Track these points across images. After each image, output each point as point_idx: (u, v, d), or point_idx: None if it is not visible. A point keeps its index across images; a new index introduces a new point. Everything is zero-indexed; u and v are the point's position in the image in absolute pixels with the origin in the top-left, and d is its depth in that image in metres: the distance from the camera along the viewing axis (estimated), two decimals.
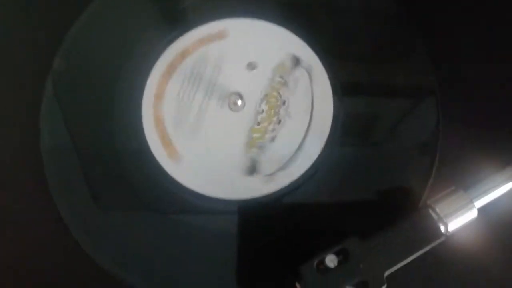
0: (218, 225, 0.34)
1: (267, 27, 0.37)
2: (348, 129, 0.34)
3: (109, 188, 0.35)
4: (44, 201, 0.34)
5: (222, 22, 0.37)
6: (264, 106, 0.35)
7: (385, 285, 0.28)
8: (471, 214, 0.29)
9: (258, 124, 0.35)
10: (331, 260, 0.29)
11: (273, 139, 0.34)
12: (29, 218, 0.35)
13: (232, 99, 0.35)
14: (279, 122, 0.34)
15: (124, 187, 0.35)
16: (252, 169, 0.34)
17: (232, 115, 0.35)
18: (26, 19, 0.40)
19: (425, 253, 0.29)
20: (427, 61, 0.36)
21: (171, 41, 0.36)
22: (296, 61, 0.35)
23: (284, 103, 0.35)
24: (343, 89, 0.35)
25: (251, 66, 0.35)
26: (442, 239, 0.29)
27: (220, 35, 0.37)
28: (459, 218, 0.29)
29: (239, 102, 0.34)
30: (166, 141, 0.35)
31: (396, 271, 0.28)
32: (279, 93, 0.35)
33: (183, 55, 0.36)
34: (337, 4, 0.38)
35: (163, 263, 0.33)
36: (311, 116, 0.34)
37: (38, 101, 0.36)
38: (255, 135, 0.34)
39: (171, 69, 0.36)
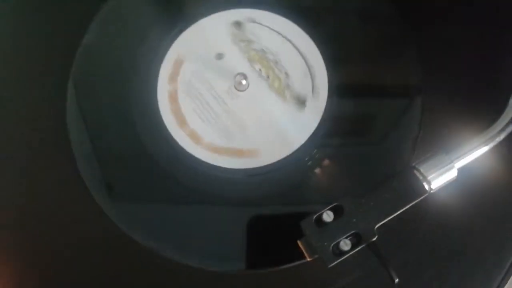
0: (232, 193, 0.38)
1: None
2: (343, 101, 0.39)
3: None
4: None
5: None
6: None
7: (376, 237, 0.32)
8: (451, 174, 0.33)
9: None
10: (328, 216, 0.32)
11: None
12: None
13: (237, 79, 0.38)
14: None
15: (143, 165, 0.39)
16: (302, 101, 0.38)
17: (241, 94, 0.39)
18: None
19: (411, 207, 0.32)
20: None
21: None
22: None
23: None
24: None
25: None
26: (426, 195, 0.32)
27: None
28: (441, 177, 0.33)
29: (244, 81, 0.38)
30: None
31: (386, 223, 0.32)
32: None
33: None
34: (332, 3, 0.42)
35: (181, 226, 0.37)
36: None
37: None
38: (276, 84, 0.39)
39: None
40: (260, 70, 0.39)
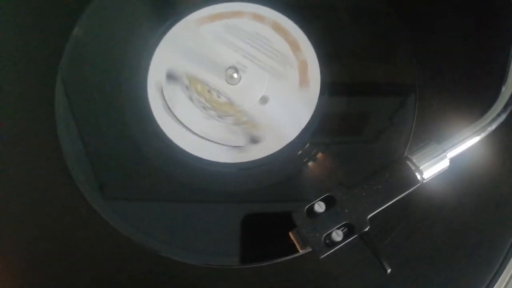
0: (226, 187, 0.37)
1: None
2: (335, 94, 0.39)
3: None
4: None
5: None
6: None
7: (368, 227, 0.31)
8: (444, 163, 0.33)
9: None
10: (319, 206, 0.32)
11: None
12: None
13: (228, 73, 0.38)
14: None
15: (132, 156, 0.38)
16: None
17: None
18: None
19: (404, 197, 0.32)
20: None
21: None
22: None
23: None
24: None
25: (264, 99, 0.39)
26: (418, 185, 0.32)
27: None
28: (433, 167, 0.32)
29: (235, 75, 0.38)
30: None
31: (379, 213, 0.32)
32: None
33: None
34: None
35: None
36: None
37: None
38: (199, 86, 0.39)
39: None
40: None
